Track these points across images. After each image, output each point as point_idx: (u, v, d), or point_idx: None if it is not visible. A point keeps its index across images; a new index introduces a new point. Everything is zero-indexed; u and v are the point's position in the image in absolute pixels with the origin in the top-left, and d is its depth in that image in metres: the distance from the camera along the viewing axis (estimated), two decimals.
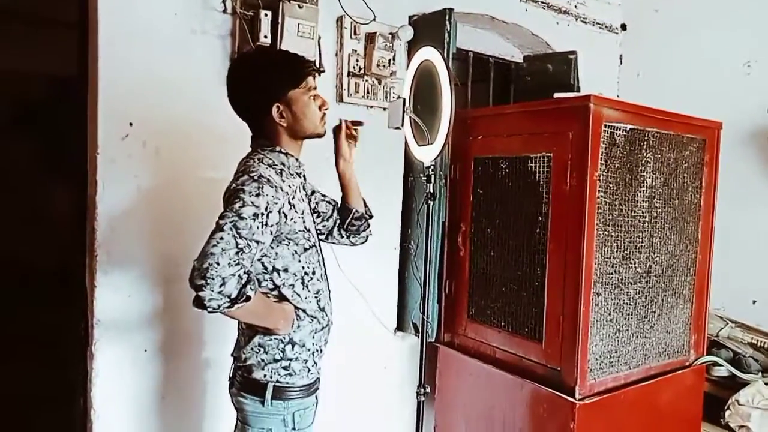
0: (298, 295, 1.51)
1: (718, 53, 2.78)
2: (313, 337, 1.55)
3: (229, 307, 1.31)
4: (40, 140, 3.43)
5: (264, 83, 1.44)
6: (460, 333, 2.31)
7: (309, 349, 1.54)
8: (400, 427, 2.47)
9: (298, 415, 1.51)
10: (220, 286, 1.27)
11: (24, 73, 3.34)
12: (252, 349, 1.48)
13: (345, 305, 2.28)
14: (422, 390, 2.01)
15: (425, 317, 2.03)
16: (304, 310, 1.52)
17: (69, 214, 2.03)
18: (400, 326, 2.47)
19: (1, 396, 2.79)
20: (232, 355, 1.59)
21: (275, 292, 1.48)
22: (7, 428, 2.70)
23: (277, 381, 1.48)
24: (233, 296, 1.30)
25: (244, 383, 1.50)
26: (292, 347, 1.50)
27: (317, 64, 2.09)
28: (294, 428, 1.51)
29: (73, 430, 1.91)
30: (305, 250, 1.51)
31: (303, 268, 1.50)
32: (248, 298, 1.33)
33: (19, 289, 3.20)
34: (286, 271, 1.48)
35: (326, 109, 1.53)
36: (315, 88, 1.51)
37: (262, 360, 1.48)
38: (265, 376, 1.48)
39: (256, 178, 1.36)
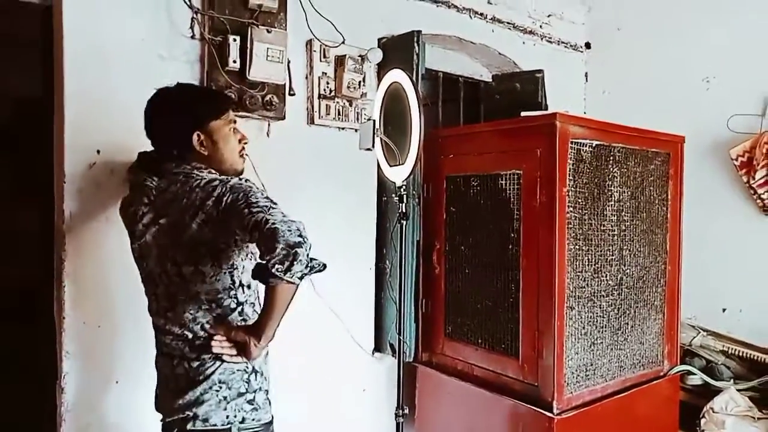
0: (257, 314, 1.46)
1: (678, 69, 2.87)
2: (266, 364, 1.50)
3: (307, 274, 1.25)
4: (7, 162, 3.36)
5: (184, 111, 1.45)
6: (437, 352, 2.31)
7: (266, 378, 1.49)
8: None
9: None
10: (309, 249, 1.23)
11: None
12: (211, 388, 1.37)
13: (322, 328, 2.27)
14: (401, 411, 1.99)
15: (401, 337, 2.03)
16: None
17: (37, 243, 1.99)
18: (378, 347, 2.46)
19: None
20: (165, 410, 1.42)
21: (238, 310, 1.40)
22: None
23: (242, 420, 1.39)
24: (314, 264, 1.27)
25: None
26: (255, 376, 1.44)
27: (288, 88, 2.11)
28: None
29: None
30: None
31: (257, 287, 1.47)
32: (324, 266, 1.29)
33: None
34: (249, 287, 1.44)
35: (245, 143, 1.54)
36: (235, 122, 1.53)
37: (225, 398, 1.38)
38: (227, 417, 1.37)
39: (226, 180, 1.35)
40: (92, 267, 1.76)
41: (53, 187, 1.78)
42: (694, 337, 2.60)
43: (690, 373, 2.41)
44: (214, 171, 1.44)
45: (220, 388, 1.38)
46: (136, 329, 1.54)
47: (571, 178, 1.91)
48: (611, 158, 2.06)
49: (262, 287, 1.49)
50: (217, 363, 1.38)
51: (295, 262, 1.22)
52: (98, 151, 1.76)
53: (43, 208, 1.88)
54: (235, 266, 1.39)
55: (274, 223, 1.22)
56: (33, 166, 1.99)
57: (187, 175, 1.39)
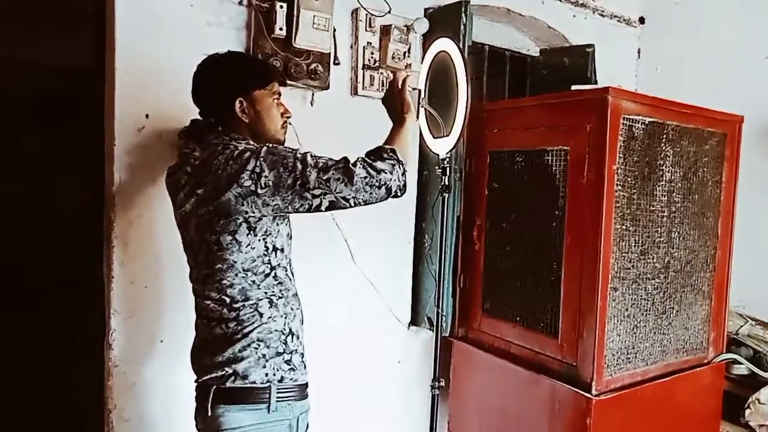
0: (290, 277, 1.49)
1: (738, 46, 2.73)
2: (301, 328, 1.52)
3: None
4: (59, 133, 3.46)
5: (230, 77, 1.46)
6: (474, 327, 2.30)
7: (301, 342, 1.51)
8: (414, 421, 2.46)
9: (302, 418, 1.45)
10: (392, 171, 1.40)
11: (42, 65, 3.37)
12: (249, 345, 1.39)
13: (359, 299, 2.29)
14: (436, 384, 2.00)
15: (440, 311, 2.02)
16: (295, 295, 1.50)
17: (87, 206, 2.05)
18: (414, 320, 2.46)
19: (19, 382, 2.83)
20: (201, 369, 1.44)
21: (272, 275, 1.42)
22: (25, 416, 2.74)
23: (281, 379, 1.41)
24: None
25: (237, 393, 1.37)
26: (292, 338, 1.46)
27: (333, 57, 2.09)
28: None
29: (92, 419, 1.93)
30: (288, 236, 1.50)
31: (290, 251, 1.50)
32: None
33: (37, 281, 3.24)
34: (282, 251, 1.45)
35: (288, 117, 1.55)
36: (280, 95, 1.53)
37: (263, 356, 1.40)
38: (266, 375, 1.39)
39: (257, 150, 1.37)
40: (140, 229, 1.81)
41: (103, 155, 1.83)
42: (742, 326, 2.51)
43: (736, 362, 2.33)
44: (252, 142, 1.44)
45: (259, 345, 1.40)
46: (181, 291, 1.57)
47: (621, 155, 1.85)
48: (664, 136, 1.98)
49: (294, 251, 1.53)
50: (256, 323, 1.40)
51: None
52: (147, 116, 1.79)
53: (95, 179, 1.93)
54: (269, 232, 1.40)
55: (343, 168, 1.34)
56: (84, 138, 2.04)
57: (225, 145, 1.40)
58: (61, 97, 3.41)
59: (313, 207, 1.35)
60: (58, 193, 3.32)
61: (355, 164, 1.37)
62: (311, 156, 1.36)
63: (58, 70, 3.37)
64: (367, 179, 1.35)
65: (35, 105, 3.53)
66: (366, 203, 1.39)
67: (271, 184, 1.32)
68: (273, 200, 1.34)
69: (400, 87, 1.60)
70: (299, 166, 1.33)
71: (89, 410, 1.91)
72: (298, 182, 1.32)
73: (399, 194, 1.43)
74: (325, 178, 1.33)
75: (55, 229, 3.23)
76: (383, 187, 1.38)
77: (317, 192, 1.33)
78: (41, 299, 3.20)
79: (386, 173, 1.38)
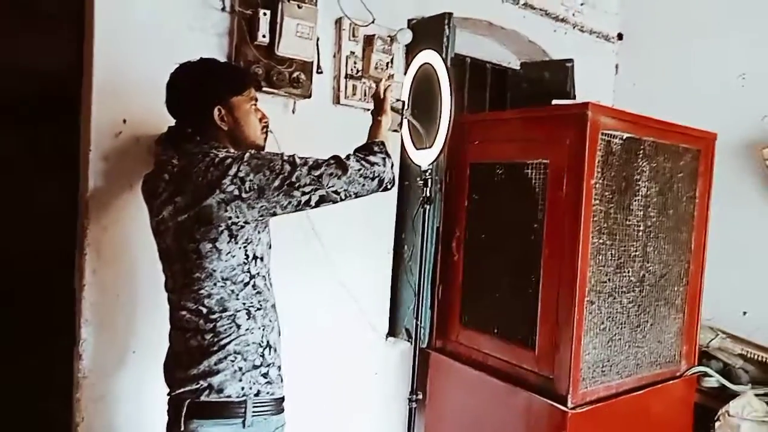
0: (269, 287, 1.47)
1: (713, 64, 2.80)
2: (278, 340, 1.50)
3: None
4: (36, 136, 3.38)
5: (207, 84, 1.45)
6: (452, 339, 2.29)
7: (279, 355, 1.48)
8: None
9: None
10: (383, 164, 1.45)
11: (19, 68, 3.30)
12: (226, 358, 1.36)
13: (337, 309, 2.27)
14: (414, 396, 1.99)
15: (418, 322, 2.02)
16: (273, 306, 1.48)
17: (61, 212, 1.99)
18: (392, 332, 2.45)
19: None
20: (175, 382, 1.41)
21: (251, 284, 1.40)
22: None
23: (257, 392, 1.38)
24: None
25: (212, 407, 1.35)
26: (269, 351, 1.44)
27: (315, 65, 2.08)
28: None
29: (60, 430, 1.87)
30: (268, 245, 1.49)
31: (269, 260, 1.49)
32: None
33: (6, 288, 3.15)
34: (261, 259, 1.44)
35: (266, 122, 1.54)
36: (256, 100, 1.53)
37: (240, 369, 1.37)
38: (242, 388, 1.37)
39: (239, 156, 1.36)
40: (114, 236, 1.77)
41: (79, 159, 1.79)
42: (713, 339, 2.56)
43: (707, 375, 2.37)
44: (232, 150, 1.43)
45: (236, 358, 1.37)
46: (155, 300, 1.54)
47: (599, 170, 1.87)
48: (641, 152, 2.01)
49: (273, 259, 1.52)
50: (233, 334, 1.38)
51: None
52: (125, 120, 1.76)
53: (68, 183, 1.89)
54: (249, 240, 1.39)
55: (342, 166, 1.37)
56: (59, 141, 1.99)
57: (205, 153, 1.38)
58: (39, 100, 3.33)
59: (302, 203, 1.35)
60: (33, 196, 3.24)
61: (347, 158, 1.40)
62: (299, 157, 1.36)
63: (35, 73, 3.30)
64: (361, 171, 1.39)
65: (11, 107, 3.45)
66: (356, 196, 1.41)
67: (256, 187, 1.31)
68: (259, 203, 1.33)
69: (381, 97, 1.64)
70: (287, 167, 1.33)
71: (60, 422, 1.86)
72: (287, 182, 1.32)
73: (389, 187, 1.47)
74: (316, 174, 1.34)
75: (30, 232, 3.15)
76: (376, 179, 1.41)
77: (307, 189, 1.34)
78: (16, 304, 3.11)
79: (379, 166, 1.43)
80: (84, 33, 1.78)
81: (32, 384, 2.48)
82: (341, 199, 1.39)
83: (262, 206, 1.33)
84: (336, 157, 1.39)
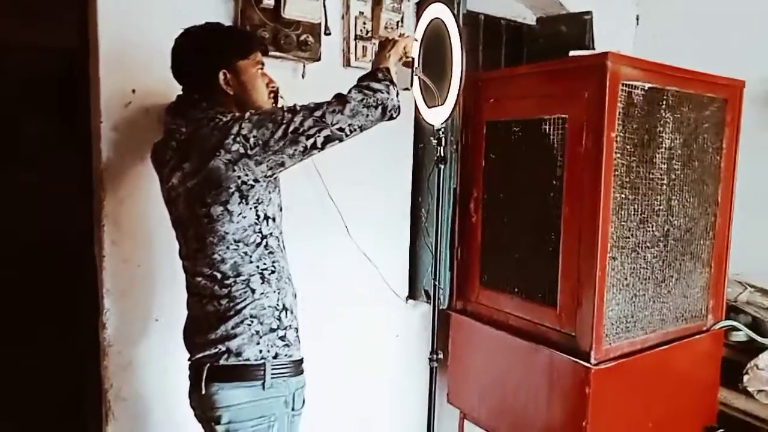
0: (281, 248, 1.46)
1: (740, 10, 2.66)
2: (294, 303, 1.50)
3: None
4: (47, 113, 3.41)
5: (212, 48, 1.43)
6: (472, 300, 2.28)
7: (295, 317, 1.48)
8: (413, 394, 2.47)
9: (297, 394, 1.44)
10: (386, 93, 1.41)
11: (28, 45, 3.31)
12: (242, 322, 1.37)
13: (356, 273, 2.27)
14: (435, 356, 1.99)
15: (437, 284, 2.01)
16: (283, 268, 1.47)
17: (78, 186, 2.01)
18: (412, 294, 2.45)
19: (16, 368, 2.83)
20: (194, 347, 1.43)
21: (263, 244, 1.39)
22: (21, 401, 2.75)
23: (275, 355, 1.39)
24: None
25: (232, 370, 1.36)
26: (286, 313, 1.44)
27: (323, 27, 2.03)
28: (293, 409, 1.42)
29: (87, 400, 1.93)
30: (279, 207, 1.48)
31: (281, 222, 1.48)
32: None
33: (29, 262, 3.22)
34: (273, 220, 1.42)
35: (274, 88, 1.52)
36: (263, 65, 1.50)
37: (257, 332, 1.38)
38: (261, 351, 1.37)
39: (240, 116, 1.35)
40: (130, 206, 1.78)
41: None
42: (741, 293, 2.50)
43: (735, 329, 2.33)
44: (238, 114, 1.40)
45: (252, 322, 1.38)
46: (175, 268, 1.55)
47: (620, 122, 1.81)
48: (664, 103, 1.94)
49: (289, 225, 1.51)
50: (248, 299, 1.38)
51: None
52: (133, 90, 1.75)
53: (83, 159, 1.89)
54: (260, 200, 1.38)
55: (329, 111, 1.34)
56: (74, 117, 1.99)
57: (211, 119, 1.37)
58: (48, 77, 3.35)
59: (309, 147, 1.33)
60: (49, 174, 3.28)
61: (349, 91, 1.38)
62: (300, 105, 1.35)
63: (42, 50, 3.31)
64: (364, 100, 1.36)
65: (21, 87, 3.47)
66: (362, 129, 1.38)
67: (260, 142, 1.30)
68: (265, 156, 1.32)
69: (398, 50, 1.60)
70: (288, 115, 1.32)
71: (89, 389, 1.91)
72: (290, 129, 1.31)
73: (394, 115, 1.44)
74: (318, 114, 1.33)
75: (49, 210, 3.21)
76: (380, 107, 1.38)
77: (312, 131, 1.32)
78: (40, 279, 3.19)
79: (382, 92, 1.40)
80: (88, 4, 1.76)
81: (60, 354, 2.55)
82: (347, 135, 1.36)
83: (269, 159, 1.32)
84: (338, 94, 1.38)
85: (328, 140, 1.35)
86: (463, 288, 2.31)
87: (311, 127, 1.31)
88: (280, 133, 1.30)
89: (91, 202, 1.81)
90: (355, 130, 1.37)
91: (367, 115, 1.37)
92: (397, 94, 1.44)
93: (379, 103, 1.38)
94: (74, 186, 2.03)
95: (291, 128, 1.30)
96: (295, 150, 1.33)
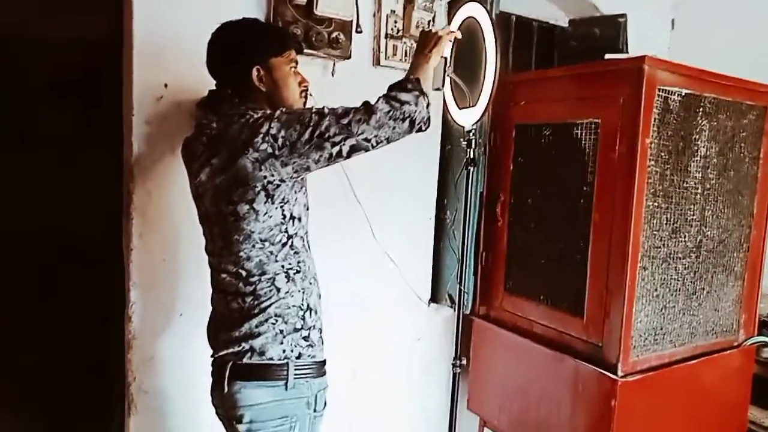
0: (306, 249, 1.45)
1: None
2: (319, 303, 1.48)
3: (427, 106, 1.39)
4: (78, 106, 3.46)
5: (246, 44, 1.42)
6: (496, 306, 2.25)
7: (319, 317, 1.47)
8: (434, 399, 2.45)
9: (320, 395, 1.42)
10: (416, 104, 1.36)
11: (61, 39, 3.35)
12: (267, 321, 1.36)
13: (379, 275, 2.26)
14: (458, 362, 1.97)
15: (462, 288, 1.98)
16: (309, 268, 1.46)
17: (107, 178, 2.03)
18: (435, 298, 2.42)
19: (44, 358, 2.88)
20: (218, 344, 1.43)
21: (289, 244, 1.38)
22: (46, 392, 2.79)
23: (299, 355, 1.38)
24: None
25: (255, 369, 1.35)
26: (310, 313, 1.43)
27: (355, 25, 2.02)
28: (315, 410, 1.41)
29: (112, 392, 1.94)
30: (306, 207, 1.46)
31: (307, 222, 1.46)
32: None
33: (59, 254, 3.27)
34: (299, 220, 1.41)
35: (305, 86, 1.50)
36: (297, 63, 1.48)
37: (281, 331, 1.37)
38: (284, 351, 1.36)
39: (270, 114, 1.34)
40: (159, 200, 1.79)
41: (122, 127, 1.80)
42: None
43: (767, 345, 2.26)
44: (269, 111, 1.40)
45: (276, 321, 1.37)
46: (200, 263, 1.55)
47: (655, 129, 1.76)
48: (701, 109, 1.88)
49: (314, 225, 1.50)
50: (273, 297, 1.37)
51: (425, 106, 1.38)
52: (166, 85, 1.76)
53: (114, 152, 1.91)
54: (286, 200, 1.36)
55: (356, 120, 1.30)
56: (105, 111, 2.01)
57: (242, 115, 1.36)
58: (82, 70, 3.39)
59: (334, 155, 1.31)
60: (79, 167, 3.33)
61: (377, 101, 1.33)
62: (328, 108, 1.32)
63: (77, 43, 3.35)
64: (391, 112, 1.31)
65: (56, 80, 3.53)
66: (389, 141, 1.34)
67: (288, 143, 1.29)
68: (291, 158, 1.30)
69: (440, 35, 1.53)
70: (315, 118, 1.30)
71: (116, 383, 1.92)
72: (316, 134, 1.28)
73: (423, 128, 1.38)
74: (345, 122, 1.29)
75: (78, 203, 3.25)
76: (407, 120, 1.33)
77: (337, 139, 1.29)
78: (68, 273, 3.24)
79: (410, 105, 1.33)
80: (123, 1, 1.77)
81: (85, 349, 2.58)
82: (373, 147, 1.33)
83: (294, 162, 1.31)
84: (365, 102, 1.34)
85: (353, 150, 1.31)
86: (486, 293, 2.28)
87: (337, 134, 1.29)
88: (306, 135, 1.28)
89: (119, 196, 1.83)
90: (381, 141, 1.33)
91: (394, 128, 1.32)
92: (428, 105, 1.38)
93: (407, 116, 1.32)
94: (103, 179, 2.05)
95: (317, 132, 1.28)
96: (320, 156, 1.30)
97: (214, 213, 1.40)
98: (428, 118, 1.38)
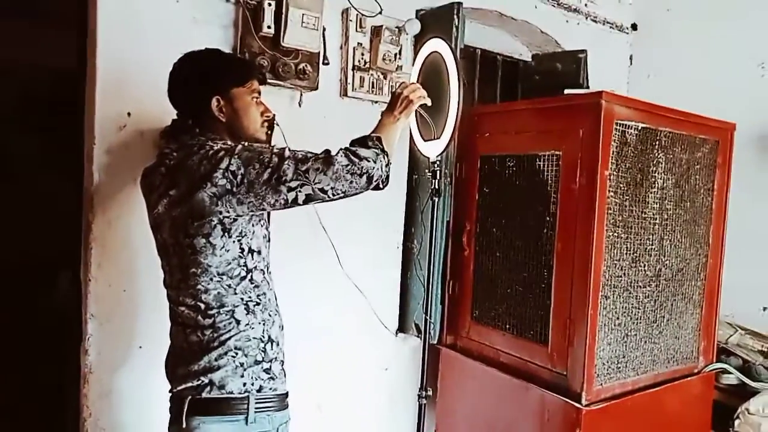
0: (267, 282, 1.43)
1: (731, 54, 2.72)
2: (281, 335, 1.46)
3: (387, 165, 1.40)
4: (39, 133, 3.40)
5: (207, 74, 1.42)
6: (463, 335, 2.26)
7: (281, 350, 1.45)
8: (400, 431, 2.42)
9: (281, 429, 1.39)
10: (376, 161, 1.37)
11: (25, 65, 3.31)
12: (226, 354, 1.33)
13: (345, 304, 2.24)
14: (424, 392, 1.95)
15: (428, 318, 1.98)
16: (269, 300, 1.44)
17: (67, 207, 1.99)
18: (402, 327, 2.42)
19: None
20: (176, 378, 1.39)
21: (248, 278, 1.37)
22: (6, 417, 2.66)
23: (260, 388, 1.35)
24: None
25: (214, 404, 1.32)
26: (272, 345, 1.41)
27: (322, 57, 2.05)
28: None
29: (66, 426, 1.86)
30: (266, 238, 1.44)
31: (268, 254, 1.45)
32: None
33: (15, 282, 3.17)
34: (259, 253, 1.39)
35: (269, 117, 1.49)
36: (259, 93, 1.48)
37: (241, 364, 1.34)
38: (244, 384, 1.34)
39: (232, 148, 1.32)
40: (119, 230, 1.75)
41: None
42: (731, 335, 2.49)
43: (726, 371, 2.31)
44: (230, 142, 1.39)
45: (236, 354, 1.34)
46: (160, 295, 1.51)
47: (613, 161, 1.82)
48: (657, 143, 1.96)
49: (280, 254, 1.49)
50: (233, 330, 1.35)
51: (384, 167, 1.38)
52: (129, 114, 1.74)
53: (75, 180, 1.87)
54: (244, 233, 1.35)
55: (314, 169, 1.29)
56: (66, 137, 1.98)
57: (201, 145, 1.35)
58: (44, 98, 3.35)
59: (289, 201, 1.30)
60: (40, 195, 3.25)
61: (337, 153, 1.33)
62: (289, 150, 1.32)
63: (40, 71, 3.31)
64: (349, 167, 1.30)
65: (17, 105, 3.47)
66: (345, 195, 1.33)
67: (246, 181, 1.27)
68: (247, 197, 1.29)
69: (410, 99, 1.55)
70: (275, 159, 1.28)
71: (69, 416, 1.85)
72: (275, 176, 1.27)
73: (381, 186, 1.39)
74: (303, 169, 1.28)
75: (37, 231, 3.17)
76: (364, 176, 1.32)
77: (293, 185, 1.28)
78: (26, 300, 3.13)
79: (369, 161, 1.33)
80: (87, 27, 1.76)
81: (39, 382, 2.48)
82: (330, 198, 1.32)
83: (250, 202, 1.30)
84: (326, 151, 1.33)
85: (309, 199, 1.30)
86: (453, 323, 2.29)
87: (293, 179, 1.27)
88: (265, 176, 1.27)
89: (78, 224, 1.78)
90: (337, 193, 1.31)
91: (351, 182, 1.31)
92: (387, 164, 1.38)
93: (364, 171, 1.32)
94: (62, 207, 2.00)
95: (275, 175, 1.26)
96: (276, 200, 1.29)
97: (172, 244, 1.38)
98: (387, 177, 1.39)
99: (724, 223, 2.22)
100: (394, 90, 1.62)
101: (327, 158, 1.30)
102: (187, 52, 1.45)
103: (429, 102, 1.61)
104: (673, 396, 2.08)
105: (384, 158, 1.38)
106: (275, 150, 1.31)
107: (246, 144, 1.34)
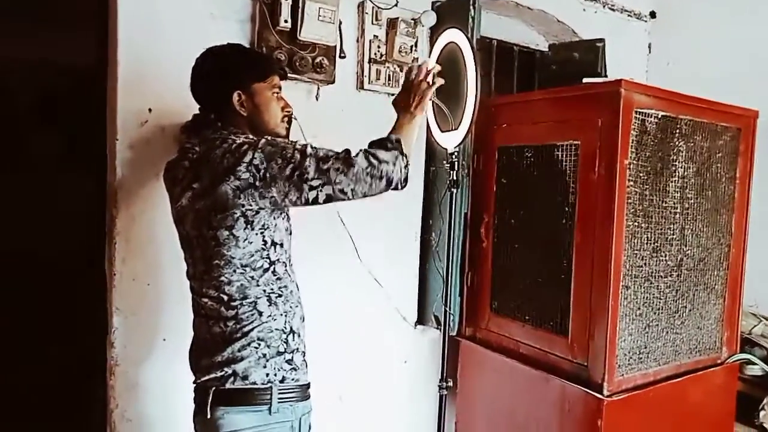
0: (289, 274, 1.44)
1: (752, 40, 2.67)
2: (302, 326, 1.48)
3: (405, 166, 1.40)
4: (62, 130, 3.45)
5: (229, 69, 1.44)
6: (482, 327, 2.26)
7: (303, 340, 1.46)
8: (421, 422, 2.43)
9: (304, 419, 1.41)
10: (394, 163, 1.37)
11: (45, 63, 3.36)
12: (249, 345, 1.35)
13: (364, 296, 2.26)
14: (444, 383, 1.96)
15: (447, 310, 1.98)
16: (291, 292, 1.45)
17: (90, 203, 2.02)
18: (421, 319, 2.42)
19: (23, 386, 2.82)
20: (200, 369, 1.41)
21: (270, 270, 1.38)
22: (28, 417, 2.72)
23: (282, 379, 1.37)
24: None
25: (237, 394, 1.34)
26: (293, 337, 1.42)
27: (338, 50, 2.05)
28: None
29: (94, 419, 1.90)
30: (288, 231, 1.46)
31: (290, 247, 1.46)
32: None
33: (40, 279, 3.23)
34: (281, 245, 1.41)
35: (289, 112, 1.51)
36: (280, 89, 1.50)
37: (264, 356, 1.35)
38: (267, 375, 1.35)
39: (255, 142, 1.34)
40: (142, 225, 1.78)
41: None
42: (755, 326, 2.46)
43: (750, 362, 2.28)
44: (251, 136, 1.40)
45: (259, 345, 1.36)
46: (184, 288, 1.53)
47: (633, 150, 1.80)
48: (677, 131, 1.93)
49: (299, 247, 1.50)
50: (255, 321, 1.36)
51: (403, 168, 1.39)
52: (150, 110, 1.77)
53: (99, 176, 1.90)
54: (266, 226, 1.36)
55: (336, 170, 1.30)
56: (88, 135, 2.02)
57: (224, 139, 1.36)
58: (64, 94, 3.40)
59: (310, 200, 1.31)
60: (60, 191, 3.30)
61: (357, 155, 1.34)
62: (311, 147, 1.33)
63: (61, 67, 3.35)
64: (369, 169, 1.32)
65: (38, 103, 3.52)
66: (365, 195, 1.35)
67: (268, 175, 1.29)
68: (269, 192, 1.31)
69: (421, 79, 1.55)
70: (298, 156, 1.30)
71: (94, 409, 1.89)
72: (296, 173, 1.29)
73: (399, 187, 1.40)
74: (324, 168, 1.30)
75: (59, 228, 3.22)
76: (384, 179, 1.34)
77: (315, 183, 1.29)
78: (46, 298, 3.19)
79: (388, 164, 1.35)
80: (108, 24, 1.78)
81: (66, 376, 2.53)
82: (349, 198, 1.33)
83: (272, 196, 1.31)
84: (346, 151, 1.34)
85: (330, 199, 1.32)
86: (472, 314, 2.29)
87: (314, 178, 1.29)
88: (287, 172, 1.29)
89: (102, 220, 1.82)
90: (357, 195, 1.33)
91: (371, 185, 1.33)
92: (406, 166, 1.40)
93: (383, 174, 1.33)
94: (86, 203, 2.04)
95: (298, 171, 1.28)
96: (297, 198, 1.31)
97: (195, 236, 1.40)
98: (405, 178, 1.40)
99: (747, 212, 2.18)
100: (406, 72, 1.60)
101: (347, 159, 1.32)
102: (210, 47, 1.47)
103: (442, 81, 1.60)
104: (696, 387, 2.06)
105: (403, 160, 1.39)
106: (297, 146, 1.32)
107: (269, 138, 1.36)
